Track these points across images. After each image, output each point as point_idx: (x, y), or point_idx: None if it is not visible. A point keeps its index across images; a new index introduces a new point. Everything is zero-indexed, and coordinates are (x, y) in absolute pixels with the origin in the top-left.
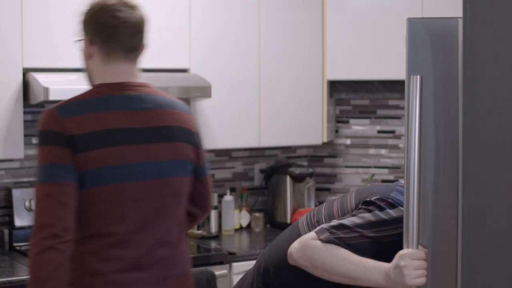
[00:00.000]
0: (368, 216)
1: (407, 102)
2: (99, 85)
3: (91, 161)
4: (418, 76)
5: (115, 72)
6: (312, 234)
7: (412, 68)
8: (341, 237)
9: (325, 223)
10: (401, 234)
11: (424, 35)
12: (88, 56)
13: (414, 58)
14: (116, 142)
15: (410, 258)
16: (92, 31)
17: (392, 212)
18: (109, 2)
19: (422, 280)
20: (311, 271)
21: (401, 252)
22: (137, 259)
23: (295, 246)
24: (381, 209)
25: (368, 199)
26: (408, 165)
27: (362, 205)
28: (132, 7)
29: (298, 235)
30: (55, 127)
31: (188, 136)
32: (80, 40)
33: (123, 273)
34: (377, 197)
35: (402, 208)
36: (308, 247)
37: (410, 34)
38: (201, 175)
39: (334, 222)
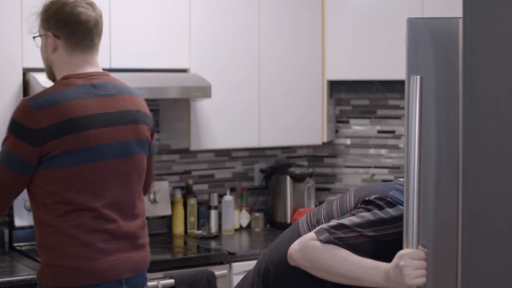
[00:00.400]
0: (367, 215)
1: (407, 102)
2: (66, 76)
3: (63, 146)
4: (418, 76)
5: (80, 63)
6: (312, 234)
7: (412, 68)
8: (341, 237)
9: (325, 223)
10: (400, 232)
11: (424, 35)
12: (53, 50)
13: (414, 58)
14: (86, 127)
15: (410, 258)
16: (55, 26)
17: (391, 211)
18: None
19: (422, 280)
20: (311, 272)
21: (401, 252)
22: (116, 229)
23: (294, 246)
24: (380, 208)
25: (367, 198)
26: (408, 165)
27: (361, 204)
28: (90, 4)
29: (299, 235)
30: (27, 123)
31: (145, 118)
32: (41, 35)
33: (108, 243)
34: (376, 196)
35: (401, 207)
36: (307, 248)
37: (410, 34)
38: (151, 154)
39: (333, 222)
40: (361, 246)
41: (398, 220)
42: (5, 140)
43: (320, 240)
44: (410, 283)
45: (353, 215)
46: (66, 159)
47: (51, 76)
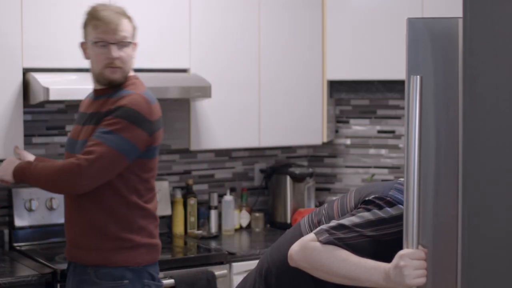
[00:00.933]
0: (367, 215)
1: (407, 102)
2: (136, 76)
3: (159, 138)
4: (418, 76)
5: None
6: (312, 235)
7: (412, 68)
8: (341, 237)
9: (326, 223)
10: (400, 232)
11: (424, 35)
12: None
13: (414, 58)
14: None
15: (410, 258)
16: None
17: (391, 210)
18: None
19: (422, 280)
20: (312, 273)
21: (401, 252)
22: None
23: (295, 248)
24: (380, 207)
25: (367, 198)
26: (408, 165)
27: (361, 204)
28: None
29: (300, 236)
30: (146, 113)
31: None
32: (131, 43)
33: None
34: (376, 195)
35: (401, 206)
36: (307, 249)
37: (410, 34)
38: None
39: (333, 223)
40: (361, 246)
41: (398, 219)
42: (117, 127)
43: (320, 241)
44: (410, 283)
45: (353, 215)
46: (156, 151)
47: (124, 79)
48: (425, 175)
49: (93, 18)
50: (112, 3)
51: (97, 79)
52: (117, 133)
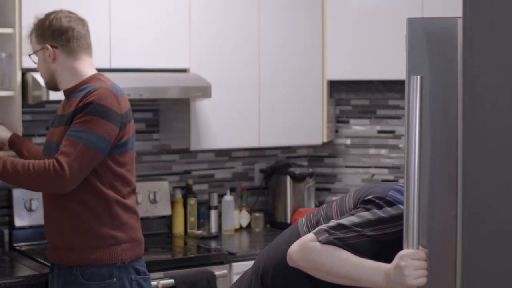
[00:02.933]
0: (366, 215)
1: (407, 102)
2: (97, 75)
3: (128, 132)
4: (418, 76)
5: (89, 64)
6: (311, 235)
7: (412, 68)
8: (340, 237)
9: (324, 224)
10: (400, 232)
11: (424, 35)
12: (52, 59)
13: (414, 58)
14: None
15: (411, 259)
16: (51, 37)
17: (391, 210)
18: (57, 12)
19: (423, 281)
20: (311, 273)
21: (401, 253)
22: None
23: (294, 247)
24: (380, 207)
25: (366, 198)
26: (408, 165)
27: (360, 204)
28: (72, 13)
29: (298, 236)
30: (115, 107)
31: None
32: (37, 51)
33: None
34: (375, 195)
35: (400, 206)
36: (307, 249)
37: (410, 34)
38: None
39: (332, 223)
40: (361, 246)
41: (397, 219)
42: (90, 124)
43: (320, 241)
44: (411, 283)
45: (352, 215)
46: (129, 145)
47: (53, 86)
48: (425, 175)
49: None
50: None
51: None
52: (90, 130)
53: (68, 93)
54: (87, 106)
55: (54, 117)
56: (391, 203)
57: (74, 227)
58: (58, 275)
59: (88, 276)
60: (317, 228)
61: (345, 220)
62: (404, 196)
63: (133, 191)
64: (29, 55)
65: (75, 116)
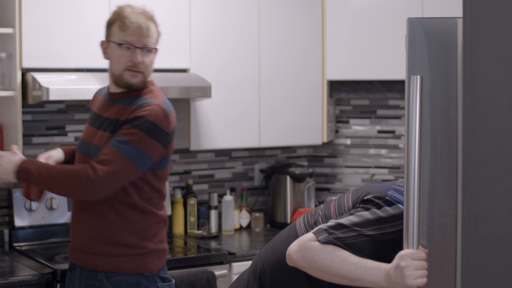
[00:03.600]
0: (366, 214)
1: (407, 102)
2: (153, 82)
3: (171, 149)
4: (418, 76)
5: None
6: (310, 235)
7: (412, 68)
8: (340, 237)
9: (323, 223)
10: (400, 231)
11: (424, 35)
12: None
13: (414, 58)
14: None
15: (411, 259)
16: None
17: (390, 210)
18: None
19: (423, 281)
20: (311, 273)
21: (401, 253)
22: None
23: (293, 247)
24: (379, 206)
25: (365, 198)
26: (408, 165)
27: (359, 203)
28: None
29: (296, 236)
30: (164, 126)
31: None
32: (155, 49)
33: None
34: (375, 195)
35: (400, 206)
36: (307, 249)
37: (410, 34)
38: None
39: (332, 222)
40: (360, 245)
41: (397, 218)
42: (135, 138)
43: (319, 241)
44: (411, 283)
45: (351, 214)
46: (168, 160)
47: (143, 84)
48: (425, 175)
49: (121, 19)
50: (139, 5)
51: (116, 80)
52: (133, 144)
53: (118, 96)
54: (137, 119)
55: (92, 115)
56: (390, 203)
57: (105, 234)
58: (80, 278)
59: (115, 283)
60: (316, 228)
61: (344, 220)
62: (404, 195)
63: (164, 201)
64: (154, 48)
65: (122, 126)
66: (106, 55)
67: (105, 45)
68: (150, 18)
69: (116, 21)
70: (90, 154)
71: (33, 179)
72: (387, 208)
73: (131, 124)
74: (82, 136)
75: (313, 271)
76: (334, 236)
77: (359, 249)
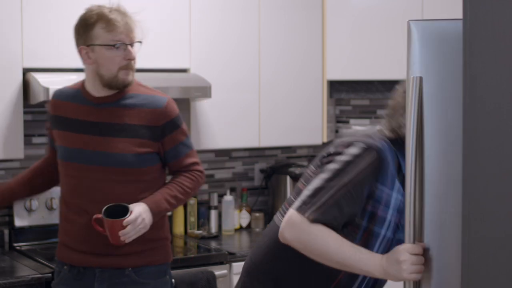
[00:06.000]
0: (331, 166)
1: (407, 103)
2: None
3: None
4: (418, 76)
5: None
6: (295, 213)
7: (412, 69)
8: (322, 202)
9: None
10: (372, 164)
11: (424, 36)
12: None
13: (414, 58)
14: None
15: (409, 253)
16: None
17: (352, 150)
18: None
19: (418, 276)
20: (304, 253)
21: (400, 247)
22: None
23: (284, 227)
24: (340, 153)
25: (324, 154)
26: (407, 163)
27: (321, 161)
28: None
29: (275, 227)
30: None
31: None
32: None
33: None
34: (333, 150)
35: (360, 143)
36: (299, 229)
37: (411, 36)
38: None
39: (307, 191)
40: (345, 202)
41: (364, 153)
42: (187, 134)
43: (307, 218)
44: (407, 277)
45: (320, 174)
46: None
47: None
48: (426, 173)
49: (105, 20)
50: (112, 3)
51: (109, 83)
52: (188, 136)
53: (105, 100)
54: (179, 119)
55: (70, 121)
56: (349, 144)
57: (144, 234)
58: (102, 278)
59: (145, 275)
60: (296, 203)
61: (316, 182)
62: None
63: None
64: (139, 42)
65: (170, 131)
66: (89, 60)
67: (86, 50)
68: (127, 13)
69: (98, 22)
70: (110, 163)
71: (170, 210)
72: (348, 150)
73: (179, 124)
74: (72, 145)
75: (306, 253)
76: (317, 205)
77: (346, 205)
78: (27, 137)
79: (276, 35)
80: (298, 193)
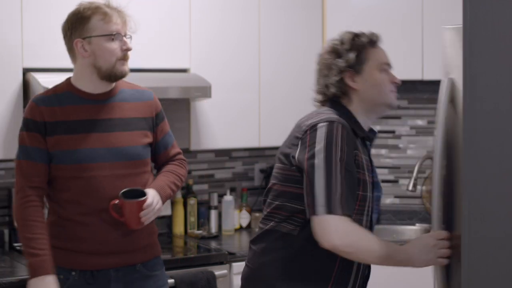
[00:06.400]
0: (316, 160)
1: (438, 103)
2: None
3: None
4: (448, 78)
5: None
6: (331, 218)
7: (445, 71)
8: (340, 195)
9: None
10: (343, 132)
11: (458, 42)
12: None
13: (447, 62)
14: None
15: (437, 239)
16: None
17: (319, 133)
18: None
19: (445, 261)
20: (354, 255)
21: (429, 234)
22: None
23: (332, 236)
24: (315, 130)
25: (288, 152)
26: (434, 156)
27: (303, 138)
28: None
29: (267, 232)
30: None
31: None
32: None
33: None
34: (299, 143)
35: (320, 122)
36: (347, 231)
37: (445, 41)
38: None
39: (320, 194)
40: (350, 177)
41: (331, 128)
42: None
43: (344, 215)
44: (436, 262)
45: (311, 176)
46: None
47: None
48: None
49: (101, 12)
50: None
51: (108, 75)
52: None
53: (109, 94)
54: (163, 112)
55: (71, 122)
56: (312, 128)
57: (148, 229)
58: (117, 277)
59: (152, 268)
60: (317, 208)
61: (319, 182)
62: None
63: None
64: (130, 37)
65: (159, 122)
66: (86, 53)
67: (82, 43)
68: (119, 7)
69: (94, 15)
70: (121, 157)
71: (171, 196)
72: (316, 137)
73: (163, 117)
74: (80, 146)
75: (356, 253)
76: (339, 200)
77: (352, 185)
78: None
79: (276, 35)
80: (278, 195)
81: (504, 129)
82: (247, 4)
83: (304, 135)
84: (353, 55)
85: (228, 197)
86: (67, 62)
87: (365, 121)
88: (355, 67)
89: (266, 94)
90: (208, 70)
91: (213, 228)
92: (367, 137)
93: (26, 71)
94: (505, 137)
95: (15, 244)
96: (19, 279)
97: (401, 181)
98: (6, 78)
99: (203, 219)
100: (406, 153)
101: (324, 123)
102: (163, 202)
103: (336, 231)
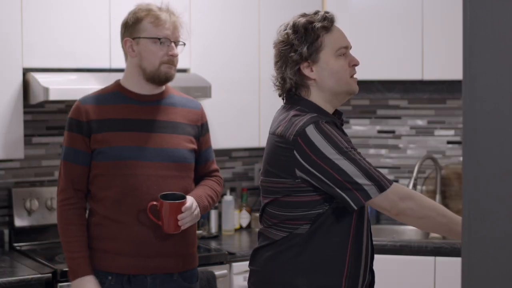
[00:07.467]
0: (323, 146)
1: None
2: None
3: None
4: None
5: None
6: (390, 191)
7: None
8: (374, 172)
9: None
10: (331, 125)
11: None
12: None
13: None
14: None
15: None
16: None
17: (312, 133)
18: None
19: None
20: (427, 225)
21: None
22: None
23: (404, 204)
24: (305, 132)
25: (289, 146)
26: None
27: (296, 143)
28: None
29: (268, 234)
30: None
31: None
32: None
33: None
34: (297, 132)
35: (306, 124)
36: (415, 199)
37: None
38: None
39: (359, 175)
40: (364, 159)
41: (319, 126)
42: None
43: (389, 185)
44: None
45: (335, 165)
46: None
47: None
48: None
49: (153, 15)
50: (163, 3)
51: (152, 77)
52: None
53: (151, 98)
54: (208, 125)
55: (124, 121)
56: (301, 133)
57: (188, 236)
58: (153, 284)
59: (188, 279)
60: (368, 192)
61: (349, 168)
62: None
63: None
64: (183, 43)
65: (204, 132)
66: (133, 52)
67: (131, 43)
68: (175, 13)
69: (147, 17)
70: (167, 158)
71: (208, 209)
72: (310, 138)
73: (208, 130)
74: (128, 143)
75: (427, 221)
76: (377, 175)
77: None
78: (27, 137)
79: (276, 35)
80: (280, 205)
81: (504, 129)
82: (247, 4)
83: (296, 144)
84: (307, 45)
85: (228, 197)
86: (67, 62)
87: (329, 109)
88: (311, 57)
89: (266, 94)
90: (208, 70)
91: (213, 228)
92: (340, 121)
93: (26, 71)
94: (505, 137)
95: (15, 244)
96: (19, 279)
97: (401, 181)
98: (6, 78)
99: (203, 219)
100: (406, 153)
101: (310, 125)
102: (201, 213)
103: (402, 198)
